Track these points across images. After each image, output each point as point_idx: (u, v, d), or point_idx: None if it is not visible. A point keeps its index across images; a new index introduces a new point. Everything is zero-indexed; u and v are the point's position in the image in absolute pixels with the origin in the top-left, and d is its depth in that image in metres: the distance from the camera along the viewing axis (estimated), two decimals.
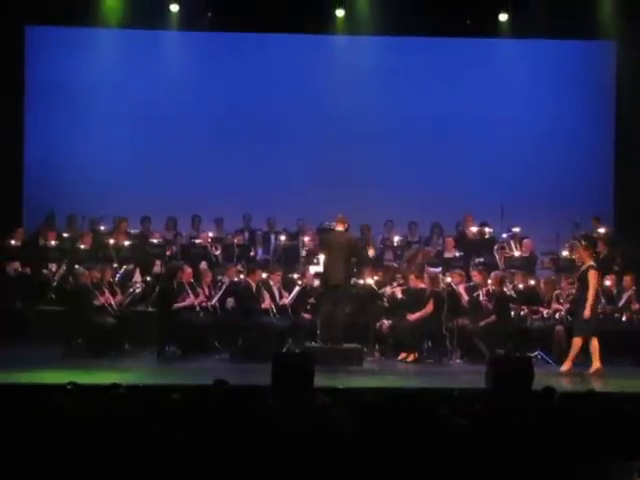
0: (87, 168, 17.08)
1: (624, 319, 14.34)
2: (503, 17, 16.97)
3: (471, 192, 17.01)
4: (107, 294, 13.97)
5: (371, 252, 14.25)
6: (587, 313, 12.63)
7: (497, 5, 16.82)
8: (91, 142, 17.24)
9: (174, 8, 16.85)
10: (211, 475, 6.06)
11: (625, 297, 14.45)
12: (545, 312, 14.16)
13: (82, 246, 15.19)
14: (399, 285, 14.54)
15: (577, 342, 12.73)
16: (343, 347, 13.29)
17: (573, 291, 14.09)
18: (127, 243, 15.26)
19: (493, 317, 13.95)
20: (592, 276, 12.78)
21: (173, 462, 6.13)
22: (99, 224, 15.94)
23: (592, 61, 17.68)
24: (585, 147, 17.45)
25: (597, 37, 17.14)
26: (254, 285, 14.06)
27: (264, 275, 14.44)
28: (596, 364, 12.57)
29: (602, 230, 15.63)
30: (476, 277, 14.53)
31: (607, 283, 14.63)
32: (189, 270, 14.25)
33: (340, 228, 13.63)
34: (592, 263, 13.01)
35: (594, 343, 12.68)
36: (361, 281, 14.44)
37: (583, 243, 13.40)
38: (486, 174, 17.28)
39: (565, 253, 15.10)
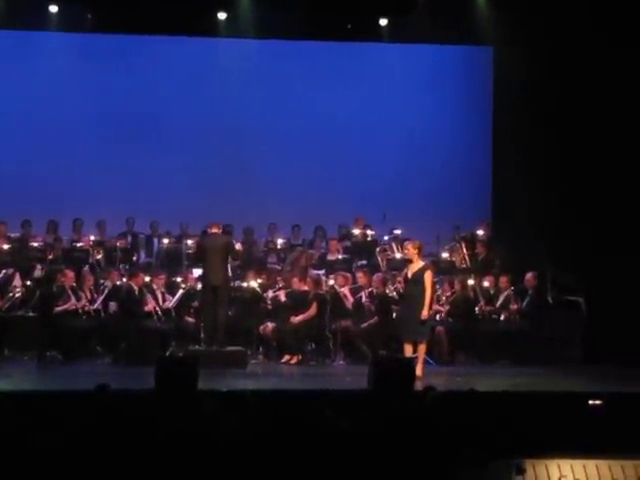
0: None
1: (502, 319, 14.63)
2: (383, 22, 17.16)
3: (354, 195, 17.09)
4: None
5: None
6: (425, 314, 12.19)
7: (378, 10, 16.96)
8: None
9: (53, 9, 16.59)
10: None
11: (502, 297, 14.74)
12: None
13: None
14: (282, 288, 14.60)
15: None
16: (227, 350, 13.25)
17: (448, 294, 14.58)
18: (6, 247, 14.93)
19: (375, 318, 14.07)
20: (428, 276, 12.35)
21: (55, 468, 6.04)
22: None
23: (470, 66, 17.95)
24: (464, 151, 17.67)
25: (475, 42, 17.41)
26: (137, 288, 13.93)
27: (147, 278, 14.34)
28: (420, 369, 12.06)
29: (481, 232, 15.89)
30: (361, 279, 14.66)
31: (485, 284, 14.91)
32: (71, 274, 14.06)
33: (215, 230, 13.64)
34: (426, 263, 12.78)
35: (423, 346, 12.42)
36: (244, 284, 14.46)
37: (414, 243, 12.64)
38: (368, 177, 17.38)
39: (445, 255, 15.34)
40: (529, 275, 14.55)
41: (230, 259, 13.87)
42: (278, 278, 14.95)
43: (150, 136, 17.20)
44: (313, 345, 14.35)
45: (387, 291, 14.28)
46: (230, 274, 13.87)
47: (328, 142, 17.56)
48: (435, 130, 17.71)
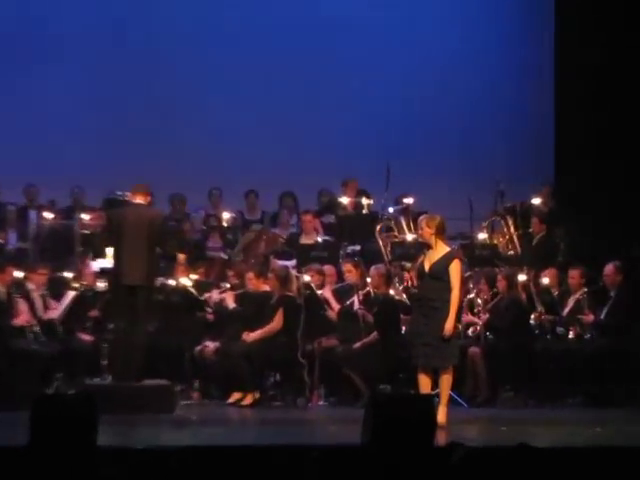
0: None
1: (570, 335, 14.54)
2: None
3: (342, 144, 17.15)
4: None
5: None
6: (450, 327, 11.81)
7: None
8: None
9: None
10: None
11: (572, 302, 14.64)
12: None
13: None
14: (231, 287, 14.64)
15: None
16: (144, 385, 13.23)
17: (487, 296, 14.53)
18: None
19: (374, 335, 14.02)
20: (456, 269, 12.00)
21: None
22: None
23: None
24: (514, 81, 17.77)
25: None
26: (3, 290, 13.87)
27: (19, 274, 14.31)
28: (443, 412, 11.81)
29: (538, 201, 15.83)
30: (350, 274, 14.61)
31: (545, 281, 14.82)
32: None
33: (139, 201, 13.49)
34: (452, 249, 12.51)
35: (448, 376, 12.09)
36: (172, 281, 14.41)
37: (432, 219, 12.21)
38: (366, 119, 17.44)
39: (482, 236, 15.27)
40: (610, 268, 14.49)
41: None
42: (224, 272, 15.00)
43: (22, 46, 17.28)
44: (278, 376, 14.43)
45: (392, 292, 14.24)
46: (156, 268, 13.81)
47: (306, 64, 17.68)
48: (471, 53, 17.85)
